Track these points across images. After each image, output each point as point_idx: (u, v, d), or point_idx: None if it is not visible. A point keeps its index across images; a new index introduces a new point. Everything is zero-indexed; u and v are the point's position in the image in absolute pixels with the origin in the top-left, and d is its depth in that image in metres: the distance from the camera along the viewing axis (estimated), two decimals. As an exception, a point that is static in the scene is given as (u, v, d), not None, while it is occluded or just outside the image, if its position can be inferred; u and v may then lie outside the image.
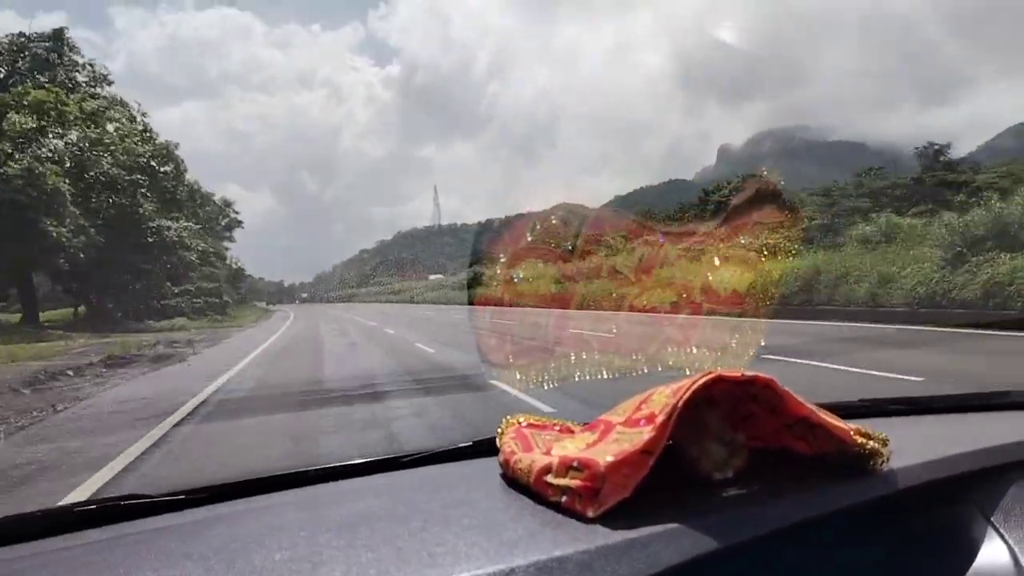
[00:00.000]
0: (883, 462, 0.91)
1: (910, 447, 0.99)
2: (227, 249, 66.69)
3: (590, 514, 0.79)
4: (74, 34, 35.95)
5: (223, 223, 68.26)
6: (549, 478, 0.88)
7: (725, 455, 0.91)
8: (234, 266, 72.73)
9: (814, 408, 0.91)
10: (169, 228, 35.70)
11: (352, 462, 1.23)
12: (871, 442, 0.91)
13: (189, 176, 55.27)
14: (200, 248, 41.90)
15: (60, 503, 5.01)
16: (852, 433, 0.91)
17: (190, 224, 45.86)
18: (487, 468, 1.08)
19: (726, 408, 0.93)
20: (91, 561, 0.86)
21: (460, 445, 1.27)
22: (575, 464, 0.85)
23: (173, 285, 38.52)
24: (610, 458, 0.81)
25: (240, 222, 70.94)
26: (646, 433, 0.83)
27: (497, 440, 1.12)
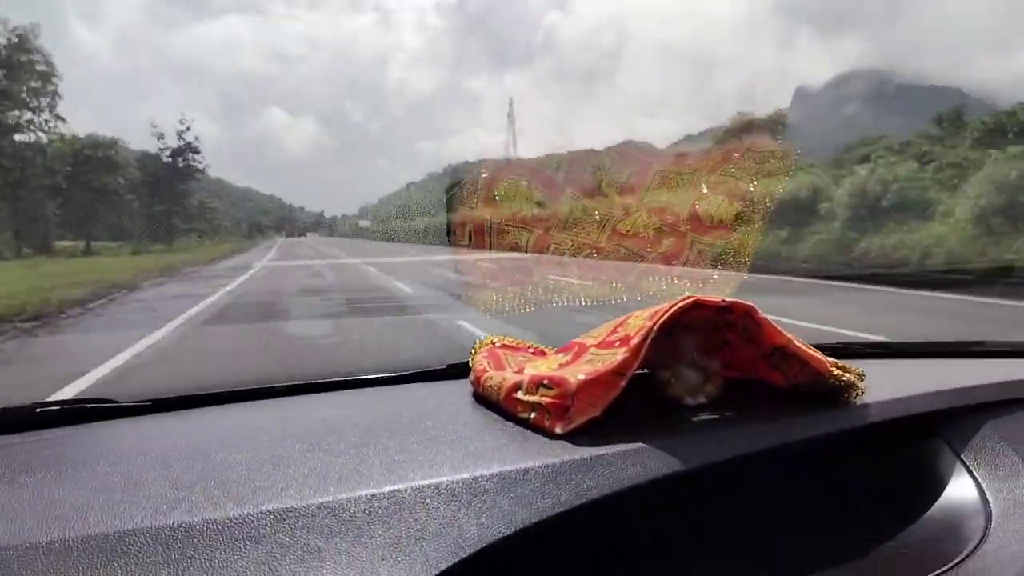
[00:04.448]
0: (857, 395, 0.91)
1: (885, 385, 0.98)
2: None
3: (558, 430, 0.80)
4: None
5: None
6: (519, 395, 0.88)
7: (699, 380, 0.91)
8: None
9: (792, 337, 0.90)
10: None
11: (324, 380, 1.24)
12: (847, 374, 0.90)
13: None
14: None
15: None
16: (828, 364, 0.90)
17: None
18: (458, 388, 1.08)
19: (703, 334, 0.93)
20: (46, 455, 0.88)
21: (433, 368, 1.26)
22: (545, 382, 0.85)
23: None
24: (581, 377, 0.81)
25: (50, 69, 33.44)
26: (620, 355, 0.82)
27: (470, 361, 1.12)
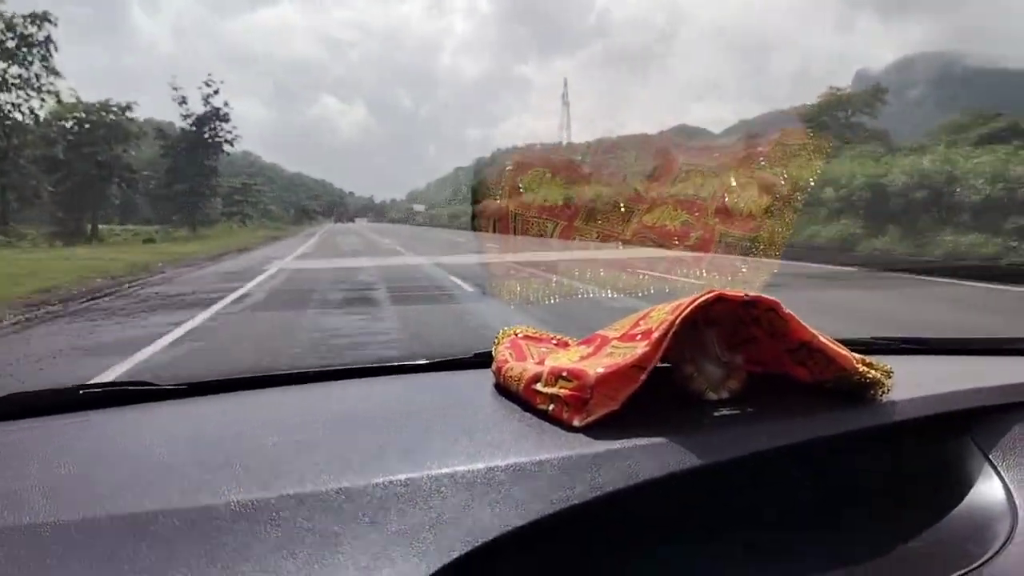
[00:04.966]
0: (884, 392, 0.89)
1: (915, 382, 0.96)
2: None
3: (576, 423, 0.80)
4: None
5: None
6: (538, 386, 0.89)
7: (721, 375, 0.90)
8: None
9: (817, 333, 0.88)
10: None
11: (354, 366, 1.27)
12: (873, 371, 0.89)
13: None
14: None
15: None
16: (855, 361, 0.88)
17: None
18: (481, 378, 1.10)
19: (726, 329, 0.92)
20: (86, 436, 0.93)
21: (459, 356, 1.29)
22: (565, 374, 0.85)
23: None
24: (601, 370, 0.81)
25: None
26: (640, 348, 0.82)
27: (493, 350, 1.13)
